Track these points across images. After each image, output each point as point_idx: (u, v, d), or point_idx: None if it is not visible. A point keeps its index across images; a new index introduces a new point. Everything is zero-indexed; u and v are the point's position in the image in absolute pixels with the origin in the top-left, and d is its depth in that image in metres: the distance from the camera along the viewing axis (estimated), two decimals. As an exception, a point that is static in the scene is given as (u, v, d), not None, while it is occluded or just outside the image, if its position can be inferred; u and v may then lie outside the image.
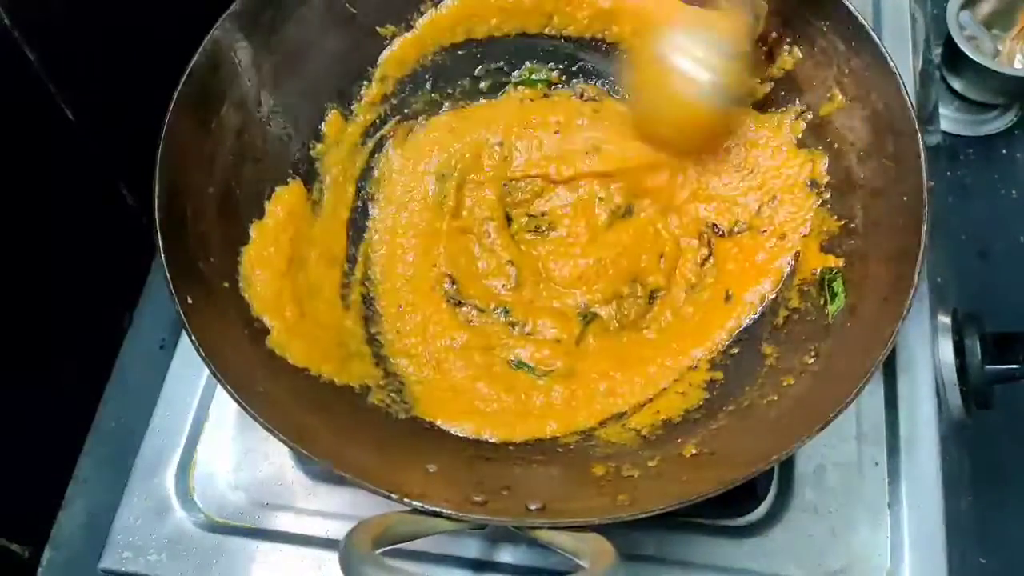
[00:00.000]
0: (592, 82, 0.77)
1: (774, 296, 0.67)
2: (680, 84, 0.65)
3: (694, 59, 0.64)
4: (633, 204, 0.75)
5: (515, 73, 0.77)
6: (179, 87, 0.61)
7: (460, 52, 0.75)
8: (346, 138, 0.73)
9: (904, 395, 0.68)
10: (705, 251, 0.72)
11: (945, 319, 0.72)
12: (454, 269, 0.74)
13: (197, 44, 0.62)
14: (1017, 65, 0.88)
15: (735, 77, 0.65)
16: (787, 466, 0.66)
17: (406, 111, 0.76)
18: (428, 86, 0.76)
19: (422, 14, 0.73)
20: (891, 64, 0.60)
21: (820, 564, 0.63)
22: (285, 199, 0.68)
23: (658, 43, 0.66)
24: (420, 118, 0.76)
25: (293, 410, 0.58)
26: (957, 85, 0.89)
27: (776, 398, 0.59)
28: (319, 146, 0.72)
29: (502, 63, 0.76)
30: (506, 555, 0.64)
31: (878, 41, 0.61)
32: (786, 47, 0.68)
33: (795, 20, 0.67)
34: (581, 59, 0.76)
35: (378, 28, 0.73)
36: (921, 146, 0.58)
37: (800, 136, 0.68)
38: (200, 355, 0.54)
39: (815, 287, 0.64)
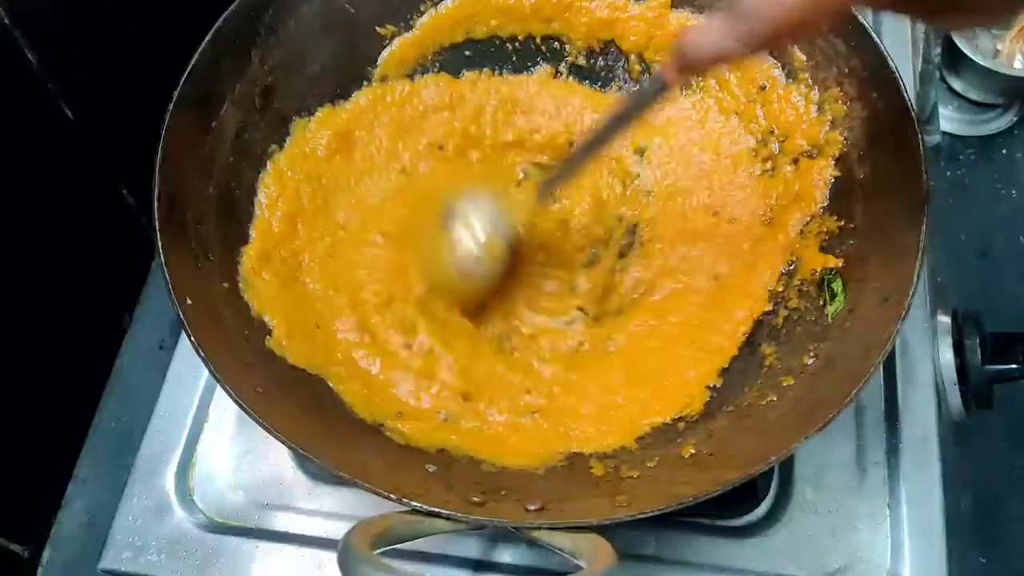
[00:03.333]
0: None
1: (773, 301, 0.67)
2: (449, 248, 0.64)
3: (469, 228, 0.64)
4: None
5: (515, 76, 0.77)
6: (179, 87, 0.61)
7: (460, 53, 0.75)
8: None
9: (904, 395, 0.68)
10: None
11: (945, 319, 0.71)
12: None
13: (197, 44, 0.62)
14: (1017, 65, 0.88)
15: (496, 256, 0.65)
16: (787, 466, 0.66)
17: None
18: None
19: (422, 14, 0.73)
20: (891, 64, 0.61)
21: (820, 564, 0.63)
22: (285, 199, 0.68)
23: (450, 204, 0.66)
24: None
25: (293, 410, 0.58)
26: (957, 85, 0.89)
27: (776, 398, 0.59)
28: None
29: (502, 65, 0.76)
30: (505, 555, 0.64)
31: (878, 41, 0.61)
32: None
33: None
34: (580, 65, 0.76)
35: (378, 28, 0.73)
36: (921, 146, 0.58)
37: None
38: (199, 356, 0.54)
39: (814, 287, 0.64)
